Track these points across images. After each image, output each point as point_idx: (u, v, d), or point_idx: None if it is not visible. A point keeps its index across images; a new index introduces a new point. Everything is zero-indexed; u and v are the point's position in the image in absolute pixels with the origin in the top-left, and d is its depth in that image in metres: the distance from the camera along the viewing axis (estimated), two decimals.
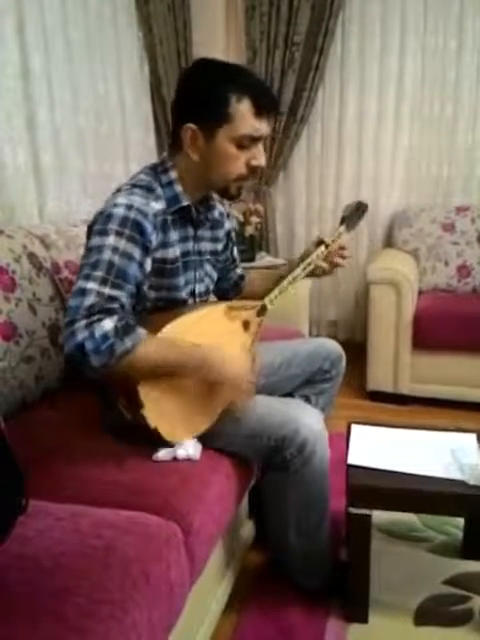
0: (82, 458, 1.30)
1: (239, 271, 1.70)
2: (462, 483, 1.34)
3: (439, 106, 3.18)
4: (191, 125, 1.27)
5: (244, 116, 1.25)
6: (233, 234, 1.63)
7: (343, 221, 1.54)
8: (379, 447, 1.51)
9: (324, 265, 1.51)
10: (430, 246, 3.06)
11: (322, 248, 1.49)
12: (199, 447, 1.32)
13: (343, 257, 1.52)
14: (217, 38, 3.18)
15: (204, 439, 1.34)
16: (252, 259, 3.11)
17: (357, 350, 2.78)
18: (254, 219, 3.11)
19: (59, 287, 1.74)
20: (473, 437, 1.55)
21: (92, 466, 1.27)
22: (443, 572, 1.61)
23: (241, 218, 3.08)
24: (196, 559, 1.14)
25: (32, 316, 1.61)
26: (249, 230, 3.09)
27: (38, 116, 2.12)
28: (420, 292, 2.95)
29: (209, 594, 1.40)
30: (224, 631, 1.43)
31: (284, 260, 3.31)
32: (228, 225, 1.59)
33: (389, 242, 3.33)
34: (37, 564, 0.92)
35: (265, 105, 1.28)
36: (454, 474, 1.37)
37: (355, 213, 1.58)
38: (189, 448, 1.29)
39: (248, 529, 1.72)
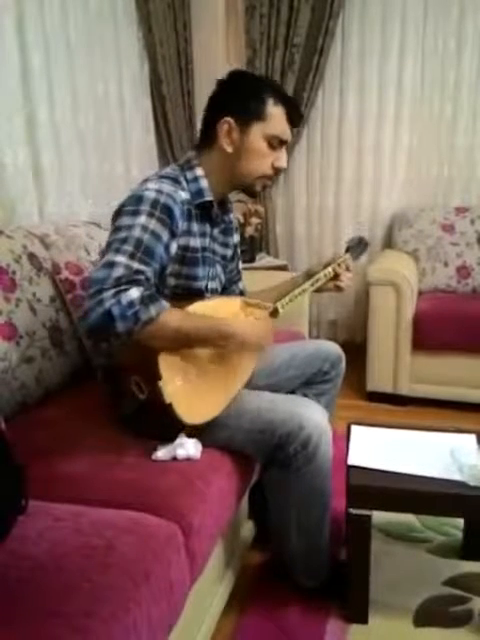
0: (82, 458, 1.30)
1: (241, 286, 1.73)
2: (461, 484, 1.34)
3: (439, 107, 3.18)
4: (228, 118, 1.37)
5: (277, 118, 1.38)
6: (239, 248, 1.70)
7: (348, 250, 1.68)
8: (379, 448, 1.51)
9: (329, 286, 1.61)
10: (430, 247, 3.06)
11: (329, 269, 1.59)
12: (199, 446, 1.32)
13: (340, 289, 1.61)
14: (217, 38, 3.18)
15: (208, 434, 1.35)
16: (252, 260, 3.11)
17: (357, 351, 2.78)
18: (254, 220, 3.12)
19: (59, 287, 1.74)
20: (472, 438, 1.55)
21: (92, 466, 1.27)
22: (443, 573, 1.61)
23: (241, 219, 3.08)
24: (196, 559, 1.15)
25: (32, 317, 1.61)
26: (249, 231, 3.09)
27: (38, 116, 2.12)
28: (420, 293, 2.95)
29: (209, 594, 1.40)
30: (224, 631, 1.43)
31: (285, 261, 3.32)
32: (237, 237, 1.66)
33: (389, 243, 3.33)
34: (38, 564, 0.92)
35: (295, 115, 1.43)
36: (453, 475, 1.37)
37: (358, 246, 1.73)
38: (189, 447, 1.29)
39: (248, 529, 1.72)
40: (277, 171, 1.43)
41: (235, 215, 2.94)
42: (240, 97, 1.38)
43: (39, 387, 1.60)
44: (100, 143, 2.54)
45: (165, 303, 1.19)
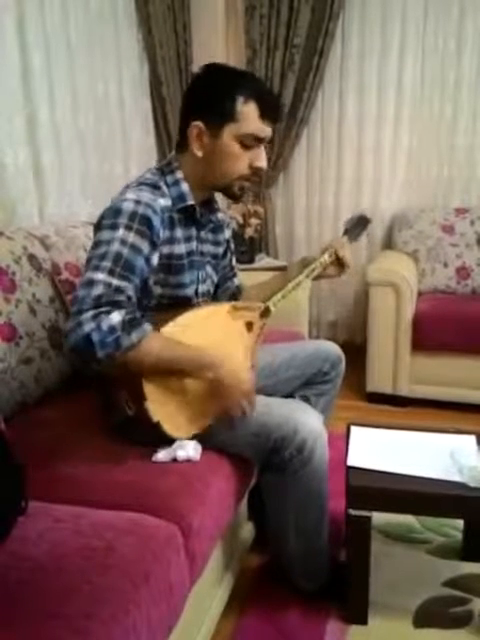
0: (82, 459, 1.30)
1: (236, 282, 1.70)
2: (461, 485, 1.34)
3: (439, 107, 3.18)
4: (198, 122, 1.31)
5: (249, 116, 1.31)
6: (232, 244, 1.67)
7: (346, 232, 1.60)
8: (378, 449, 1.51)
9: (328, 272, 1.55)
10: (429, 248, 3.07)
11: (326, 256, 1.53)
12: (199, 448, 1.32)
13: (343, 266, 1.55)
14: (217, 39, 3.18)
15: (204, 439, 1.34)
16: (251, 260, 3.11)
17: (356, 351, 2.78)
18: (254, 221, 3.12)
19: (59, 288, 1.73)
20: (472, 439, 1.55)
21: (92, 467, 1.27)
22: (442, 574, 1.61)
23: (241, 220, 3.08)
24: (196, 560, 1.15)
25: (32, 317, 1.61)
26: (249, 232, 3.09)
27: (38, 116, 2.12)
28: (419, 294, 2.95)
29: (209, 595, 1.40)
30: (224, 633, 1.43)
31: (284, 262, 3.32)
32: (228, 233, 1.63)
33: (389, 244, 3.33)
34: (38, 565, 0.92)
35: (270, 110, 1.33)
36: (453, 476, 1.37)
37: (357, 226, 1.64)
38: (189, 449, 1.29)
39: (247, 530, 1.72)
40: (256, 171, 1.36)
41: (233, 216, 2.95)
42: (210, 98, 1.31)
43: (38, 387, 1.61)
44: (100, 143, 2.54)
45: (147, 327, 1.17)
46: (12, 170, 2.00)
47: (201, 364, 1.25)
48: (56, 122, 2.22)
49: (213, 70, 1.37)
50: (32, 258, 1.68)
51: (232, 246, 1.67)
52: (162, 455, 1.28)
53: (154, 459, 1.28)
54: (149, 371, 1.21)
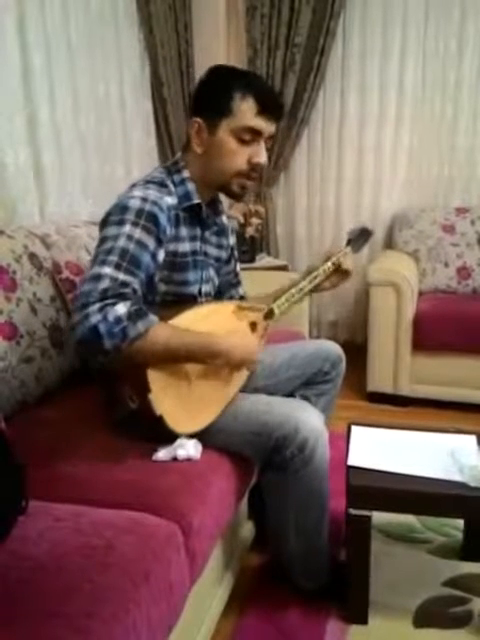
0: (82, 458, 1.30)
1: (241, 291, 1.71)
2: (462, 485, 1.34)
3: (440, 107, 3.18)
4: (197, 118, 1.35)
5: (245, 112, 1.33)
6: (236, 251, 1.68)
7: (349, 243, 1.63)
8: (379, 448, 1.51)
9: (330, 280, 1.58)
10: (430, 248, 3.06)
11: (329, 264, 1.55)
12: (199, 447, 1.32)
13: (347, 273, 1.58)
14: (218, 39, 3.18)
15: (205, 437, 1.34)
16: (252, 260, 3.12)
17: (357, 351, 2.78)
18: (255, 220, 3.12)
19: (60, 287, 1.74)
20: (473, 439, 1.55)
21: (92, 466, 1.27)
22: (443, 574, 1.61)
23: (242, 219, 3.08)
24: (196, 559, 1.15)
25: (33, 316, 1.61)
26: (250, 231, 3.09)
27: (39, 116, 2.12)
28: (420, 293, 2.95)
29: (209, 595, 1.40)
30: (224, 632, 1.43)
31: (285, 262, 3.32)
32: (232, 240, 1.64)
33: (389, 243, 3.33)
34: (38, 564, 0.92)
35: (268, 106, 1.34)
36: (454, 476, 1.37)
37: (360, 237, 1.67)
38: (189, 448, 1.29)
39: (248, 530, 1.72)
40: (255, 167, 1.37)
41: (234, 215, 2.96)
42: (208, 95, 1.35)
43: (39, 386, 1.61)
44: (101, 145, 2.54)
45: (153, 318, 1.17)
46: (12, 170, 2.00)
47: (211, 351, 1.25)
48: (56, 122, 2.22)
49: (216, 70, 1.40)
50: (33, 257, 1.68)
51: (236, 254, 1.69)
52: (162, 454, 1.28)
53: (154, 458, 1.28)
54: (156, 361, 1.21)
